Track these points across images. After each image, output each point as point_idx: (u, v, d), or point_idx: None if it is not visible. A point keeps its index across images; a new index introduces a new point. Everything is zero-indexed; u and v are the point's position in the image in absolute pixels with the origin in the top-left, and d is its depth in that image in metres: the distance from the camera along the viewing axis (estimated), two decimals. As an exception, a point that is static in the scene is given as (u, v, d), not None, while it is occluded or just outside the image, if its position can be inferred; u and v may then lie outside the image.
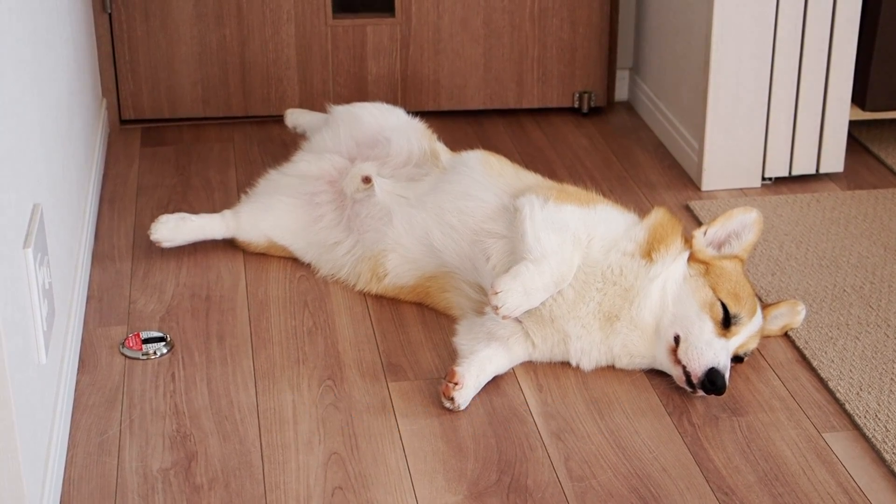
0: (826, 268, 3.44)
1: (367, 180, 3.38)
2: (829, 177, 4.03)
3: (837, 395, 2.93)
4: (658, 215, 3.08)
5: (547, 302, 2.97)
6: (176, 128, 4.39)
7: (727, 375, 2.89)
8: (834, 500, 2.62)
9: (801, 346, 3.10)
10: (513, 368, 3.05)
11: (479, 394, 2.94)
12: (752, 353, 3.05)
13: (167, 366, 3.04)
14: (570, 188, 3.18)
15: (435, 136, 3.53)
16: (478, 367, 2.92)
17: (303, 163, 3.58)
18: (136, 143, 4.29)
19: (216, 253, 3.56)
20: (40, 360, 2.54)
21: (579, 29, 4.36)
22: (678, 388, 2.97)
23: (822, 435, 2.82)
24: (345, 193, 3.42)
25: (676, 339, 2.92)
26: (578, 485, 2.66)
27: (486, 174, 3.27)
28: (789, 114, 3.87)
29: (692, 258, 3.03)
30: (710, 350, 2.87)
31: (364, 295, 3.36)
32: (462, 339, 3.04)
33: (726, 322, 2.92)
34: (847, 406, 2.88)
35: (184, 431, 2.82)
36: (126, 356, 3.08)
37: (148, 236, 3.51)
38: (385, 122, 3.58)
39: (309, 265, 3.48)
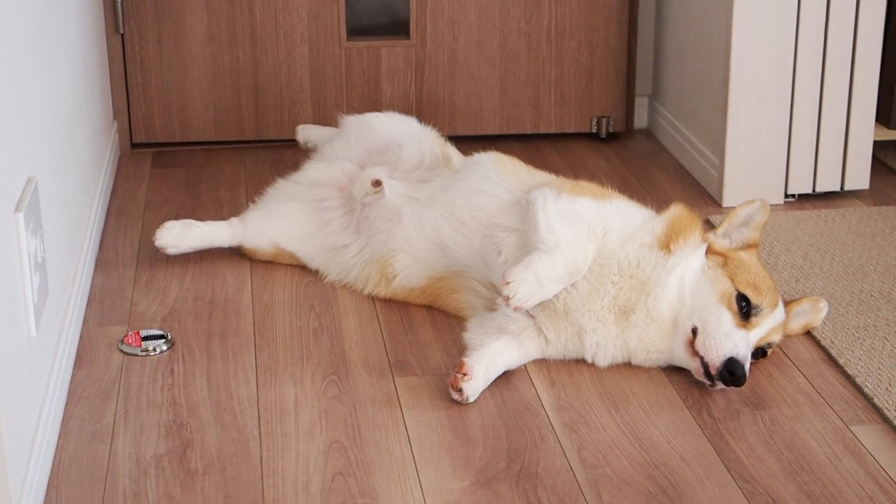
0: (852, 275, 3.32)
1: (377, 184, 3.29)
2: (855, 194, 3.92)
3: (865, 390, 2.79)
4: (677, 210, 2.98)
5: (560, 294, 2.85)
6: (188, 152, 4.32)
7: (747, 367, 2.76)
8: (863, 488, 2.48)
9: (826, 346, 2.98)
10: (524, 366, 2.93)
11: (488, 388, 2.82)
12: (775, 348, 2.92)
13: (166, 362, 2.94)
14: (586, 183, 3.08)
15: (447, 142, 3.44)
16: (488, 358, 2.79)
17: (312, 170, 3.50)
18: (147, 165, 4.22)
19: (222, 260, 3.47)
20: (30, 333, 2.44)
21: (597, 52, 4.29)
22: (697, 384, 2.84)
23: (850, 427, 2.68)
24: (354, 198, 3.33)
25: (694, 331, 2.80)
26: (592, 472, 2.53)
27: (499, 172, 3.17)
28: (812, 129, 3.78)
29: (710, 251, 2.92)
30: (728, 340, 2.75)
31: (373, 298, 3.26)
32: (472, 334, 2.93)
33: (746, 313, 2.80)
34: (876, 400, 2.75)
35: (180, 421, 2.70)
36: (125, 353, 2.98)
37: (153, 245, 3.42)
38: (397, 129, 3.50)
39: (317, 272, 3.38)
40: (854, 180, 3.85)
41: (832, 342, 2.99)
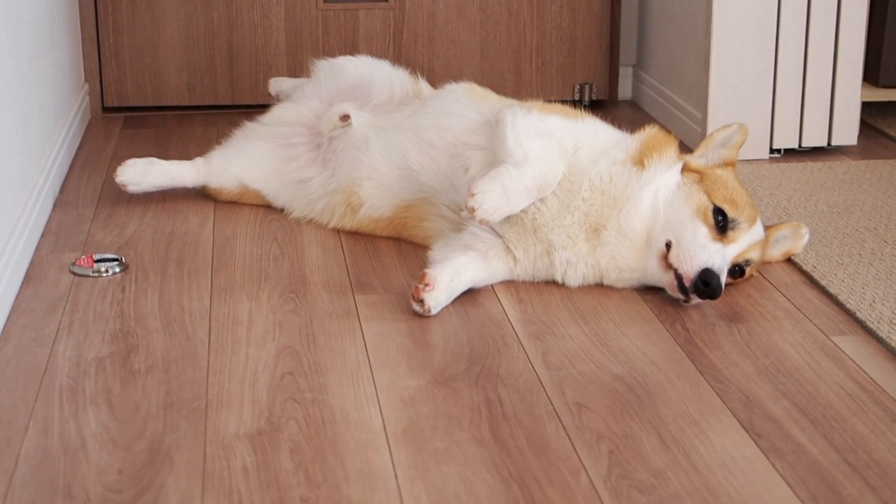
0: (837, 214, 3.19)
1: (345, 118, 3.18)
2: (842, 150, 3.81)
3: (848, 305, 2.66)
4: (651, 130, 2.86)
5: (529, 210, 2.73)
6: (160, 116, 4.22)
7: (723, 279, 2.63)
8: (842, 388, 2.34)
9: (807, 270, 2.85)
10: (491, 287, 2.79)
11: (452, 304, 2.68)
12: (754, 269, 2.78)
13: (119, 282, 2.81)
14: (558, 105, 2.96)
15: (420, 78, 3.34)
16: (451, 271, 2.66)
17: (280, 110, 3.39)
18: (118, 127, 4.11)
19: (186, 201, 3.36)
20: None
21: (579, 17, 4.19)
22: (671, 301, 2.71)
23: (831, 338, 2.55)
24: (322, 134, 3.21)
25: (668, 246, 2.67)
26: (556, 373, 2.39)
27: (469, 97, 3.06)
28: (797, 81, 3.67)
29: (686, 169, 2.80)
30: (703, 252, 2.62)
31: (338, 232, 3.14)
32: (436, 253, 2.80)
33: (722, 227, 2.67)
34: (859, 314, 2.62)
35: (127, 329, 2.57)
36: (76, 274, 2.85)
37: (115, 188, 3.31)
38: (367, 70, 3.39)
39: (282, 211, 3.26)
40: (841, 135, 3.73)
41: (814, 267, 2.86)
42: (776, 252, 2.91)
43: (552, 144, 2.75)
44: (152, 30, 4.09)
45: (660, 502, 1.95)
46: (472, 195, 2.64)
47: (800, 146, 3.73)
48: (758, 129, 3.67)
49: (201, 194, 3.37)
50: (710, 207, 2.68)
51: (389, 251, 3.02)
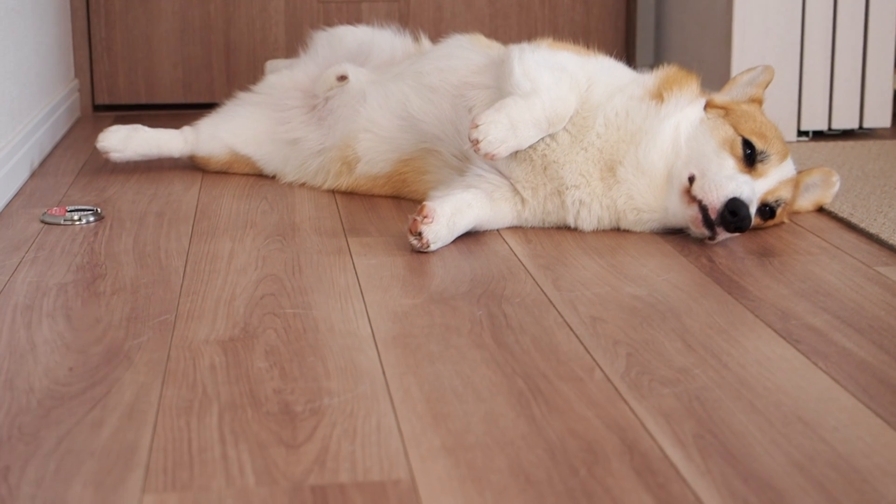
0: (874, 177, 2.96)
1: (342, 78, 2.96)
2: (875, 133, 3.57)
3: (893, 241, 2.40)
4: (671, 67, 2.64)
5: (538, 146, 2.50)
6: (153, 115, 4.01)
7: (753, 210, 2.38)
8: (891, 305, 2.07)
9: (844, 216, 2.60)
10: (497, 231, 2.55)
11: (453, 243, 2.44)
12: (785, 210, 2.54)
13: (92, 229, 2.57)
14: (570, 45, 2.74)
15: (423, 37, 3.13)
16: (453, 206, 2.43)
17: (273, 76, 3.18)
18: (108, 124, 3.89)
19: (172, 171, 3.13)
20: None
21: (593, 10, 4.00)
22: (696, 241, 2.46)
23: (874, 268, 2.29)
24: (317, 95, 2.99)
25: (691, 179, 2.43)
26: (567, 294, 2.14)
27: (474, 42, 2.85)
28: (825, 61, 3.45)
29: (709, 105, 2.57)
30: (731, 182, 2.38)
31: (333, 193, 2.90)
32: (436, 193, 2.56)
33: (751, 159, 2.44)
34: (903, 248, 2.36)
35: (95, 262, 2.34)
36: (46, 223, 2.62)
37: (98, 161, 3.10)
38: (368, 36, 3.18)
39: (274, 178, 3.03)
40: (874, 117, 3.50)
41: (851, 213, 2.61)
42: (805, 202, 2.67)
43: (564, 77, 2.52)
44: (146, 23, 3.91)
45: (686, 394, 1.69)
46: (476, 126, 2.42)
47: (829, 129, 3.50)
48: (784, 111, 3.44)
49: (189, 165, 3.15)
50: (738, 139, 2.45)
51: (387, 205, 2.79)
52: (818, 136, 3.52)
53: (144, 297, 2.11)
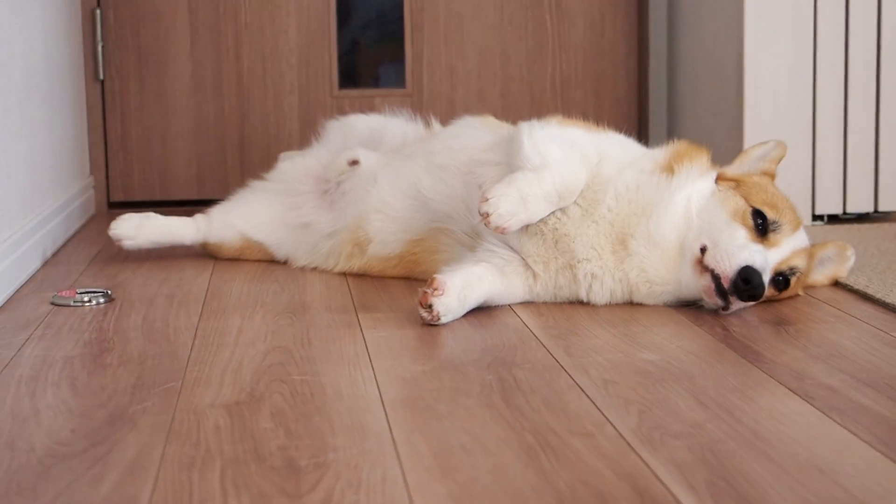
0: (891, 255, 2.92)
1: (353, 162, 2.97)
2: (891, 216, 3.55)
3: (907, 310, 2.38)
4: (680, 142, 2.64)
5: (548, 220, 2.49)
6: (167, 212, 4.00)
7: (766, 279, 2.36)
8: (907, 367, 2.04)
9: (860, 289, 2.57)
10: (508, 305, 2.53)
11: (464, 316, 2.42)
12: (800, 281, 2.51)
13: (102, 310, 2.56)
14: (579, 121, 2.75)
15: (435, 123, 3.14)
16: (464, 279, 2.41)
17: (285, 163, 3.20)
18: (122, 219, 3.91)
19: (185, 259, 3.13)
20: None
21: (605, 102, 4.02)
22: (710, 312, 2.43)
23: (891, 334, 2.26)
24: (328, 181, 3.00)
25: (703, 250, 2.41)
26: (580, 360, 2.11)
27: (484, 122, 2.86)
28: (838, 142, 3.45)
29: (720, 178, 2.56)
30: (743, 251, 2.36)
31: (345, 275, 2.89)
32: (447, 269, 2.54)
33: (762, 229, 2.42)
34: (919, 315, 2.33)
35: (103, 338, 2.32)
36: (56, 304, 2.61)
37: (111, 251, 3.10)
38: (379, 124, 3.20)
39: (286, 263, 3.02)
40: (889, 200, 3.48)
41: (867, 286, 2.58)
42: (821, 276, 2.64)
43: (573, 152, 2.53)
44: (161, 119, 3.94)
45: (699, 446, 1.65)
46: (486, 199, 2.41)
47: (844, 212, 3.48)
48: (798, 195, 3.43)
49: (201, 254, 3.14)
50: (749, 209, 2.44)
51: (398, 285, 2.77)
52: (833, 220, 3.50)
53: (151, 368, 2.09)
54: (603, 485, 1.51)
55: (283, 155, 3.60)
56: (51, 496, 1.51)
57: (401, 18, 3.98)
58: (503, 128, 2.83)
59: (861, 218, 3.51)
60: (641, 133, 4.05)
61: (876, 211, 3.49)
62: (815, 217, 3.48)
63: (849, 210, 3.48)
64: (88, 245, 3.36)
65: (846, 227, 3.34)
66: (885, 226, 3.34)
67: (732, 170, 2.59)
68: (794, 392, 1.89)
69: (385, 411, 1.82)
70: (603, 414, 1.79)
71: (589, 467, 1.58)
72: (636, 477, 1.54)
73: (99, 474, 1.58)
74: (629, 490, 1.50)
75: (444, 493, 1.49)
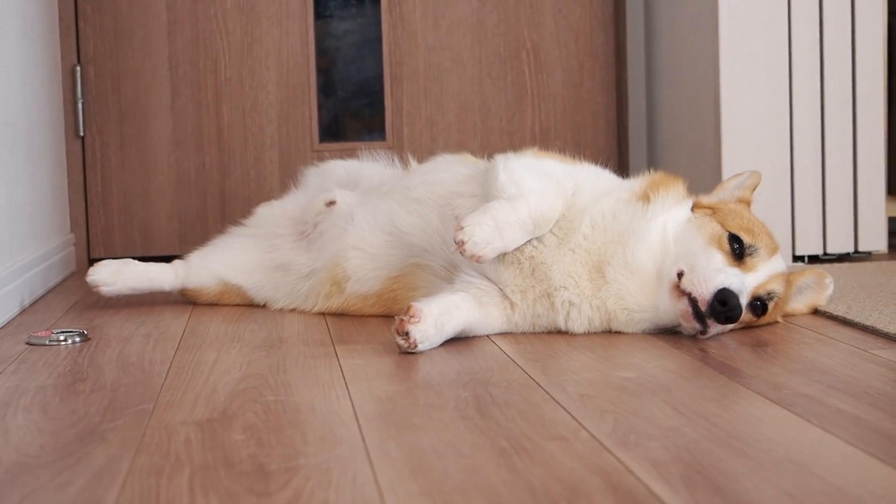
0: (871, 287, 2.92)
1: (331, 203, 2.97)
2: (871, 257, 3.55)
3: (888, 330, 2.37)
4: (656, 172, 2.65)
5: (525, 249, 2.48)
6: (149, 267, 3.99)
7: (743, 301, 2.35)
8: (887, 377, 2.03)
9: (839, 314, 2.56)
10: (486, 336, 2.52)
11: (441, 345, 2.40)
12: (778, 306, 2.50)
13: (77, 348, 2.54)
14: (556, 154, 2.75)
15: (413, 163, 3.14)
16: (441, 306, 2.40)
17: (263, 208, 3.19)
18: (103, 275, 3.89)
19: (163, 304, 3.11)
20: None
21: (585, 152, 4.03)
22: (688, 338, 2.42)
23: (869, 351, 2.25)
24: (306, 222, 3.00)
25: (680, 275, 2.40)
26: (556, 378, 2.10)
27: (460, 159, 2.87)
28: (816, 182, 3.46)
29: (696, 207, 2.56)
30: (720, 274, 2.35)
31: (324, 314, 2.87)
32: (424, 298, 2.53)
33: (739, 253, 2.42)
34: (898, 334, 2.32)
35: (77, 370, 2.30)
36: (31, 344, 2.59)
37: (90, 300, 3.08)
38: (357, 167, 3.20)
39: (264, 306, 3.01)
40: (869, 241, 3.48)
41: (846, 312, 2.57)
42: (800, 304, 2.63)
43: (549, 182, 2.53)
44: (142, 174, 3.94)
45: (675, 446, 1.63)
46: (462, 228, 2.41)
47: (825, 253, 3.48)
48: (779, 237, 3.39)
49: (180, 300, 3.12)
50: (725, 234, 2.44)
51: (377, 321, 2.75)
52: (814, 260, 3.50)
53: (123, 394, 2.07)
54: (575, 479, 1.50)
55: (261, 205, 3.59)
56: (16, 500, 1.49)
57: (380, 72, 4.00)
58: (480, 163, 2.83)
59: (842, 258, 3.51)
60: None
61: (856, 251, 3.49)
62: (796, 258, 3.47)
63: (829, 251, 3.48)
64: (67, 296, 3.34)
65: (827, 266, 3.34)
66: (866, 264, 3.34)
67: (709, 198, 2.60)
68: (771, 400, 1.87)
69: (358, 424, 1.80)
70: (578, 421, 1.78)
71: (562, 465, 1.56)
72: (609, 472, 1.52)
73: (66, 481, 1.56)
74: (602, 483, 1.48)
75: (416, 490, 1.47)
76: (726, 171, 3.41)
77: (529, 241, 2.48)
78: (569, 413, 1.83)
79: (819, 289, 2.65)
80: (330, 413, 1.87)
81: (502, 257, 2.48)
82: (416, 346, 2.33)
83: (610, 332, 2.48)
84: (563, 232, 2.49)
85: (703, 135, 3.57)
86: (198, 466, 1.60)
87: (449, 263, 2.64)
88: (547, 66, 4.04)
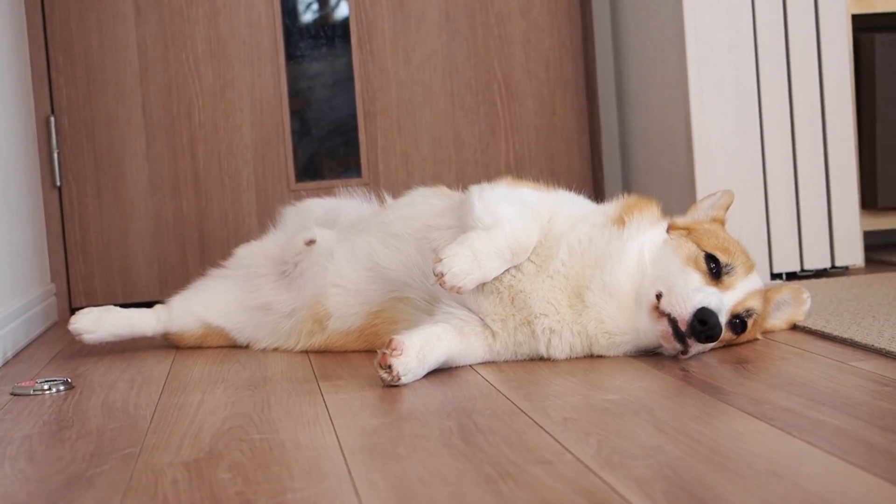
0: (848, 301, 2.94)
1: (310, 242, 2.99)
2: (848, 271, 3.57)
3: (866, 342, 2.39)
4: (630, 196, 2.67)
5: (504, 278, 2.50)
6: (131, 314, 4.00)
7: (722, 320, 2.37)
8: (866, 387, 2.06)
9: (818, 329, 2.58)
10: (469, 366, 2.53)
11: (424, 376, 2.41)
12: (757, 324, 2.52)
13: (62, 397, 2.55)
14: (531, 183, 2.77)
15: (389, 200, 3.15)
16: (422, 338, 2.41)
17: (242, 248, 3.20)
18: (85, 323, 3.89)
19: (146, 350, 3.11)
20: None
21: (560, 178, 4.06)
22: (670, 359, 2.44)
23: (848, 363, 2.27)
24: (286, 261, 3.01)
25: (658, 296, 2.42)
26: (539, 403, 2.11)
27: (435, 193, 2.88)
28: (790, 199, 3.49)
29: (672, 228, 2.59)
30: (698, 294, 2.37)
31: (307, 352, 2.88)
32: (406, 331, 2.54)
33: (716, 273, 2.44)
34: (878, 345, 2.35)
35: (62, 417, 2.30)
36: (15, 394, 2.59)
37: (72, 350, 3.08)
38: (335, 204, 3.22)
39: (247, 347, 3.02)
40: (845, 255, 3.51)
41: (825, 326, 2.60)
42: (778, 320, 2.66)
43: (524, 210, 2.55)
44: (120, 222, 3.95)
45: (658, 464, 1.65)
46: (440, 260, 2.43)
47: (802, 269, 3.50)
48: (755, 255, 3.42)
49: (163, 344, 3.13)
50: (702, 254, 2.46)
51: (359, 356, 2.76)
52: (792, 277, 3.52)
53: (110, 439, 2.08)
54: (560, 501, 1.51)
55: (241, 246, 3.60)
56: (4, 548, 1.49)
57: (353, 109, 4.03)
58: (455, 195, 2.85)
59: (819, 274, 3.54)
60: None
61: (833, 266, 3.52)
62: (774, 275, 3.50)
63: (806, 267, 3.50)
64: (50, 346, 3.34)
65: (804, 282, 3.36)
66: (843, 279, 3.36)
67: (683, 219, 2.62)
68: (753, 415, 1.89)
69: (344, 457, 1.82)
70: (562, 445, 1.79)
71: (547, 488, 1.57)
72: (594, 493, 1.53)
73: (54, 526, 1.57)
74: (587, 503, 1.49)
75: (402, 519, 1.48)
76: (700, 192, 3.43)
77: (508, 269, 2.49)
78: (552, 437, 1.84)
79: (797, 304, 2.67)
80: (316, 448, 1.88)
81: (482, 287, 2.49)
82: (399, 379, 2.34)
83: (592, 357, 2.50)
84: (541, 259, 2.51)
85: (675, 157, 3.60)
86: (185, 506, 1.61)
87: (429, 295, 2.66)
88: (518, 96, 4.07)
